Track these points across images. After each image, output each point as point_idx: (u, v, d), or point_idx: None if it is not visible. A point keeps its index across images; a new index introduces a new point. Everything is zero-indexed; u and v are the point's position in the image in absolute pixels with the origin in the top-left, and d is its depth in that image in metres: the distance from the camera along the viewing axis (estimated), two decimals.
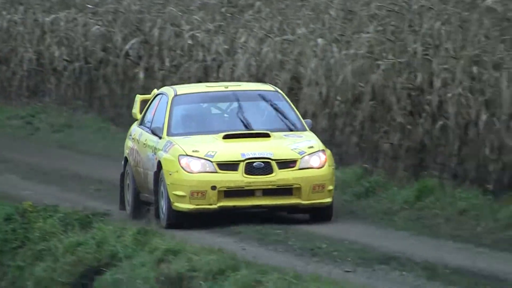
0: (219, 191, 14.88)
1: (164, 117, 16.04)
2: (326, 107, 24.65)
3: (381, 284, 14.34)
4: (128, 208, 17.00)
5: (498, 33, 21.29)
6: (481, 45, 21.62)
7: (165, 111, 16.10)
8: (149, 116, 16.85)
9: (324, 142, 20.21)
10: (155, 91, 17.72)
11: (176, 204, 15.13)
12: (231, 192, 14.98)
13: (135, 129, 17.29)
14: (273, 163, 14.88)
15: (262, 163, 14.87)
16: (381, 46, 23.79)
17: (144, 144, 16.43)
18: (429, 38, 22.70)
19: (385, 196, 21.58)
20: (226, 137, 15.52)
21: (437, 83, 21.70)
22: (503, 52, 20.82)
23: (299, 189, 14.94)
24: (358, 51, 24.20)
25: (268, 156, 14.97)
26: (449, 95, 21.47)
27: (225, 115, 16.55)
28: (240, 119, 16.05)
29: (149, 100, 17.47)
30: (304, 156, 15.06)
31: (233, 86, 17.44)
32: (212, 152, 15.07)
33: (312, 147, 15.43)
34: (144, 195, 16.65)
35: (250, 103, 16.43)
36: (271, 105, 16.35)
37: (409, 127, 22.68)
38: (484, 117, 20.67)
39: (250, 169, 14.89)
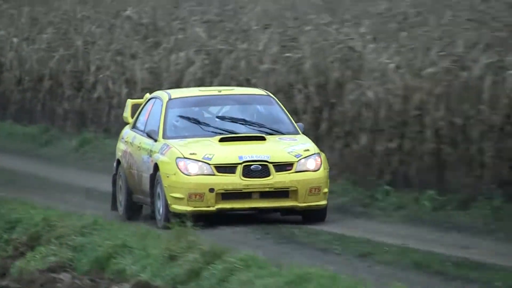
0: (217, 194, 12.47)
1: (159, 120, 13.48)
2: (19, 85, 25.28)
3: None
4: (121, 208, 14.16)
5: (134, 33, 22.30)
6: (123, 41, 22.53)
7: (160, 115, 13.53)
8: (142, 119, 14.21)
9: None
10: (148, 95, 14.85)
11: (173, 206, 12.59)
12: (228, 195, 12.59)
13: (127, 132, 14.54)
14: (270, 166, 12.51)
15: (259, 166, 12.48)
16: (56, 42, 24.23)
17: (139, 147, 13.80)
18: (88, 37, 23.62)
19: (60, 144, 22.70)
20: (222, 140, 13.00)
21: (93, 68, 22.80)
22: (137, 46, 21.84)
23: (295, 191, 12.55)
24: (40, 46, 24.92)
25: (265, 159, 12.60)
26: (101, 76, 22.59)
27: (217, 118, 13.80)
28: (234, 122, 13.53)
29: (140, 104, 14.79)
30: (300, 159, 12.70)
31: (226, 90, 14.72)
32: (210, 154, 12.63)
33: (308, 150, 12.95)
34: (137, 196, 13.93)
35: (243, 107, 13.89)
36: (264, 109, 13.92)
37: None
38: (124, 90, 21.58)
39: (248, 171, 12.50)
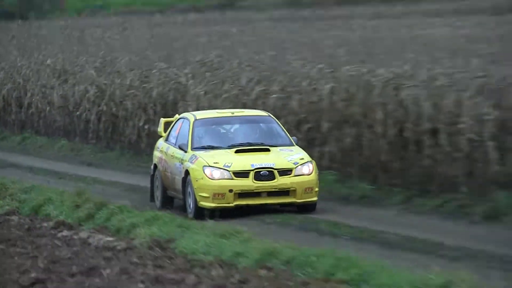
0: (235, 193, 11.01)
1: (188, 136, 11.77)
2: None
3: None
4: (157, 201, 12.38)
5: (52, 74, 21.16)
6: (46, 79, 21.21)
7: (188, 131, 11.83)
8: (173, 134, 12.42)
9: None
10: (177, 115, 12.98)
11: (201, 203, 11.05)
12: (243, 194, 11.09)
13: (161, 143, 12.68)
14: (275, 172, 11.07)
15: (267, 172, 11.09)
16: (6, 80, 22.72)
17: (172, 156, 12.06)
18: (25, 77, 22.07)
19: (10, 140, 21.72)
20: (237, 151, 11.43)
21: (28, 95, 21.65)
22: (54, 82, 20.83)
23: (294, 191, 11.08)
24: None
25: (271, 166, 11.15)
26: (33, 99, 21.44)
27: (230, 134, 12.17)
28: (245, 137, 11.93)
29: (170, 121, 13.04)
30: (297, 166, 11.20)
31: (237, 112, 12.75)
32: (229, 163, 11.13)
33: (303, 158, 11.40)
34: (171, 192, 12.27)
35: (250, 125, 12.17)
36: (265, 126, 12.24)
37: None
38: (47, 108, 20.77)
39: (258, 176, 11.06)
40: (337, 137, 13.31)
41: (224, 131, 12.01)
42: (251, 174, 10.96)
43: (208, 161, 11.05)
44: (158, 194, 12.26)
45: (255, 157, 11.22)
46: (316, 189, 11.20)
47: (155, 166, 12.43)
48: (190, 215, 11.13)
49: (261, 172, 10.97)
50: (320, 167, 12.17)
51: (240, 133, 11.90)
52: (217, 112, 12.60)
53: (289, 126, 14.02)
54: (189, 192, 11.21)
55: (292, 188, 11.00)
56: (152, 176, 12.46)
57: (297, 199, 11.07)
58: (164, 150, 12.23)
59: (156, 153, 12.55)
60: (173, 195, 12.09)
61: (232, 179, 10.95)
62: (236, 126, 12.00)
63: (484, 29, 19.23)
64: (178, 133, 12.03)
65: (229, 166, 10.98)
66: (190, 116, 12.14)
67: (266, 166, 11.02)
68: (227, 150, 11.42)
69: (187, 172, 11.23)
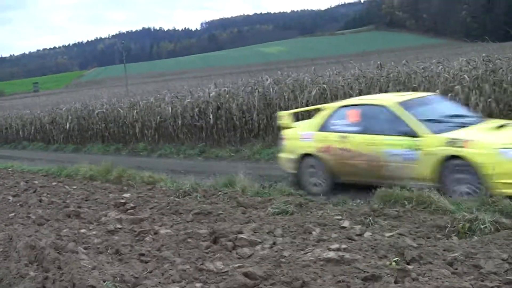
0: None
1: (405, 121, 7.98)
2: None
3: None
4: (319, 188, 9.05)
5: None
6: None
7: (398, 116, 8.10)
8: (340, 123, 9.01)
9: None
10: (325, 105, 9.71)
11: (504, 190, 6.81)
12: None
13: (314, 133, 9.36)
14: None
15: None
16: None
17: (372, 143, 8.34)
18: None
19: None
20: (498, 127, 7.83)
21: None
22: None
23: None
24: None
25: None
26: None
27: (440, 113, 8.43)
28: (451, 113, 8.48)
29: (296, 113, 10.61)
30: None
31: (419, 94, 9.19)
32: None
33: None
34: (350, 178, 8.72)
35: (441, 103, 8.92)
36: (451, 104, 9.14)
37: None
38: None
39: None
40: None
41: (432, 110, 8.44)
42: None
43: (495, 142, 7.24)
44: (320, 180, 9.16)
45: None
46: None
47: (304, 155, 9.43)
48: (481, 196, 6.89)
49: None
50: None
51: (440, 111, 8.43)
52: (401, 95, 8.99)
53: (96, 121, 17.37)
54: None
55: None
56: (300, 165, 9.50)
57: None
58: (335, 139, 8.99)
59: (310, 143, 9.40)
60: (362, 182, 8.50)
61: None
62: (433, 105, 8.65)
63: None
64: (361, 120, 8.71)
65: None
66: (385, 101, 8.50)
67: None
68: (479, 127, 7.95)
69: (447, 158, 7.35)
